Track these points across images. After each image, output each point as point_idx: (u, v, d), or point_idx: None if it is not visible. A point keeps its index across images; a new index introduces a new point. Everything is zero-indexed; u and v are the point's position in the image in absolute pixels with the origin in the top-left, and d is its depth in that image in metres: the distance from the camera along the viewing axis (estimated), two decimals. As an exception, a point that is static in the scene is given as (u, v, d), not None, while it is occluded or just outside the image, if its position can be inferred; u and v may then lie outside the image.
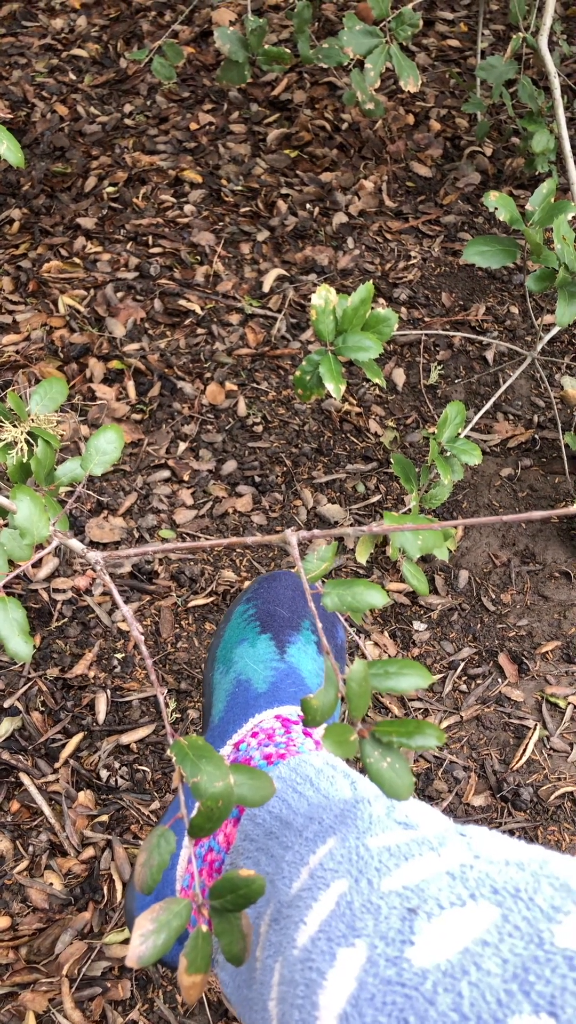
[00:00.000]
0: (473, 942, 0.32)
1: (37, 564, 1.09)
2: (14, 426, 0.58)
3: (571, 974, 0.29)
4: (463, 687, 1.04)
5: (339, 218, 1.49)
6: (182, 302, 1.36)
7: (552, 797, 0.97)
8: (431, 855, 0.39)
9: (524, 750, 1.00)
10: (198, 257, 1.43)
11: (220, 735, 0.66)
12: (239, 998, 0.50)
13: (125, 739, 0.97)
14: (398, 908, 0.36)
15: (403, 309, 1.39)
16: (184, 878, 0.60)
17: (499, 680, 1.05)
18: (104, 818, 0.92)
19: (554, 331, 1.08)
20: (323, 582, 0.44)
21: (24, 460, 0.55)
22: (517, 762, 0.99)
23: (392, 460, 0.79)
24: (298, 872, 0.45)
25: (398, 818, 0.46)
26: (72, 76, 1.69)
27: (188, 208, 1.49)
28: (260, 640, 0.71)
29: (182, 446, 1.22)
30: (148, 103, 1.65)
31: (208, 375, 1.29)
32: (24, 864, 0.90)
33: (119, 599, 0.44)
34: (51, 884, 0.88)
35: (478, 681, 1.05)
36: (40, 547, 1.02)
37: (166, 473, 1.19)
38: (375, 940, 0.35)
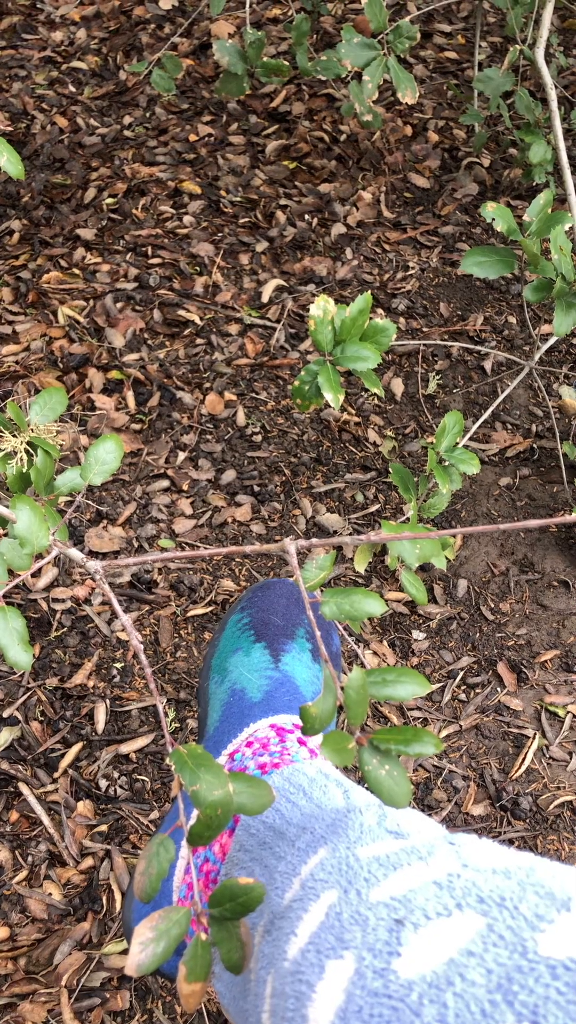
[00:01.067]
0: (458, 952, 0.32)
1: (36, 574, 1.09)
2: (14, 436, 0.58)
3: (553, 983, 0.29)
4: (462, 696, 1.04)
5: (337, 229, 1.50)
6: (181, 312, 1.37)
7: (551, 806, 0.97)
8: (419, 864, 0.39)
9: (523, 759, 1.00)
10: (197, 268, 1.44)
11: (215, 745, 0.66)
12: (235, 1009, 0.50)
13: (124, 749, 0.97)
14: (386, 919, 0.36)
15: (401, 319, 1.40)
16: (181, 888, 0.60)
17: (498, 689, 1.05)
18: (103, 828, 0.92)
19: (552, 341, 1.09)
20: (321, 591, 0.44)
21: (24, 470, 0.56)
22: (516, 771, 0.99)
23: (391, 469, 0.79)
24: (290, 882, 0.45)
25: (389, 827, 0.46)
26: (72, 88, 1.70)
27: (187, 219, 1.49)
28: (254, 649, 0.71)
29: (181, 456, 1.22)
30: (147, 115, 1.66)
31: (207, 385, 1.29)
32: (23, 874, 0.89)
33: (118, 608, 0.45)
34: (50, 894, 0.88)
35: (477, 690, 1.05)
36: (39, 557, 1.02)
37: (165, 483, 1.19)
38: (363, 952, 0.35)
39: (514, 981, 0.30)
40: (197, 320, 1.36)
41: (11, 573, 0.46)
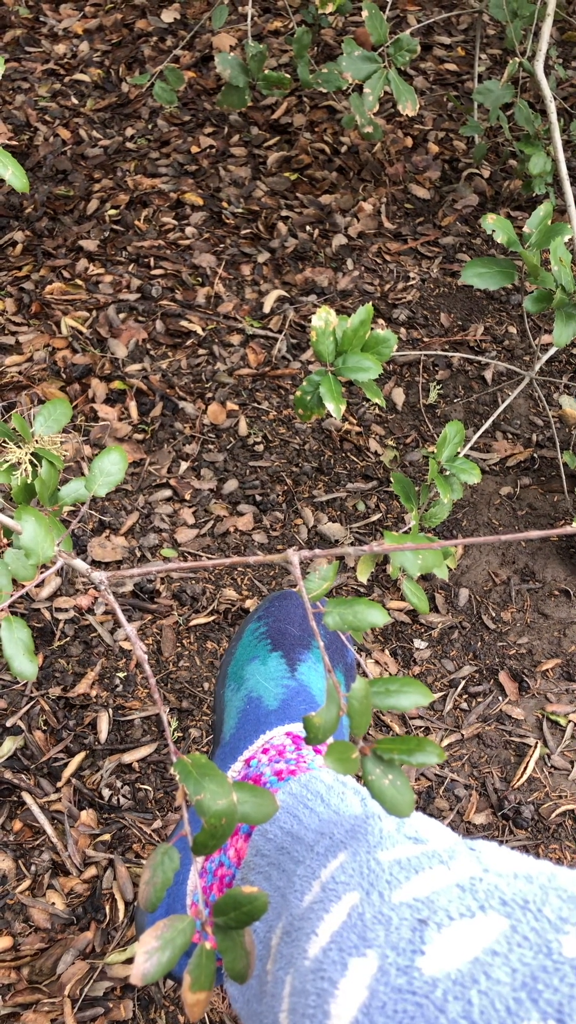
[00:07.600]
0: (483, 952, 0.32)
1: (40, 583, 1.09)
2: (18, 447, 0.59)
3: None
4: (464, 705, 1.05)
5: (339, 240, 1.50)
6: (183, 323, 1.38)
7: (553, 815, 0.97)
8: (441, 868, 0.39)
9: (525, 768, 1.00)
10: (199, 279, 1.44)
11: (231, 751, 0.66)
12: (249, 1012, 0.51)
13: (127, 758, 0.97)
14: (409, 919, 0.36)
15: (402, 330, 1.40)
16: (195, 893, 0.60)
17: (500, 698, 1.05)
18: (106, 837, 0.92)
19: (552, 351, 1.09)
20: (324, 601, 0.44)
21: (28, 481, 0.56)
22: (518, 780, 0.99)
23: (392, 479, 0.80)
24: (310, 885, 0.46)
25: (408, 833, 0.46)
26: (74, 100, 1.71)
27: (189, 230, 1.50)
28: (271, 658, 0.72)
29: (184, 465, 1.22)
30: (150, 127, 1.67)
31: (209, 395, 1.30)
32: (26, 884, 0.90)
33: (122, 618, 0.45)
34: (53, 904, 0.88)
35: (479, 699, 1.05)
36: (44, 567, 1.02)
37: (168, 492, 1.19)
38: (386, 950, 0.35)
39: (539, 980, 0.30)
40: (199, 331, 1.37)
41: (15, 583, 0.46)
